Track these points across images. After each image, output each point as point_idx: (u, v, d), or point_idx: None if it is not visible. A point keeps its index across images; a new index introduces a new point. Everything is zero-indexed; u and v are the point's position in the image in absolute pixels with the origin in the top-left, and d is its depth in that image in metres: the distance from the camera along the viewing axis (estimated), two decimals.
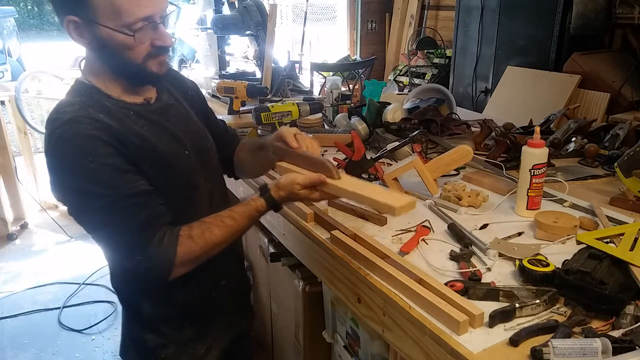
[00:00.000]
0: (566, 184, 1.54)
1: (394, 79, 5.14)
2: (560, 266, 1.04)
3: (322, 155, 1.14)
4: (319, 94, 3.17)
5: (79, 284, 3.16)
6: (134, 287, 1.16)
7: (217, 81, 2.63)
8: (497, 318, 0.93)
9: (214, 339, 1.24)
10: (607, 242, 1.14)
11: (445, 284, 1.02)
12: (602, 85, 3.01)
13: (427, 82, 4.62)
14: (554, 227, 1.23)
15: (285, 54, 3.48)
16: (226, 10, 3.40)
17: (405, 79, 5.03)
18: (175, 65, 6.49)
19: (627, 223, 1.29)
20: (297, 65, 3.23)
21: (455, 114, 2.16)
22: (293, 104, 1.94)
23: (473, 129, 2.03)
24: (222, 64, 3.17)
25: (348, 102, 2.47)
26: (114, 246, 1.02)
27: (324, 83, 3.30)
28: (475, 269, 1.10)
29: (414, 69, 4.94)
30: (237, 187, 1.89)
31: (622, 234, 1.17)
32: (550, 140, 1.84)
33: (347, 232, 1.24)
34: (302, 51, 5.02)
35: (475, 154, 1.65)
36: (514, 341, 0.87)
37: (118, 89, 1.06)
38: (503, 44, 3.68)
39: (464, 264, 1.12)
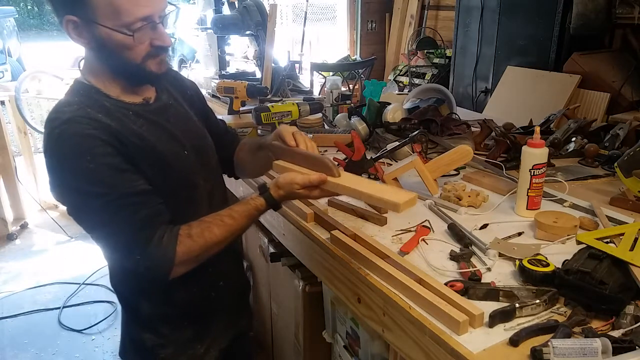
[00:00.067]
0: (566, 184, 1.54)
1: (394, 79, 5.14)
2: (560, 266, 1.04)
3: (322, 154, 1.14)
4: (319, 94, 3.17)
5: (79, 284, 3.16)
6: (133, 286, 1.16)
7: (217, 81, 2.63)
8: (497, 318, 0.93)
9: (213, 339, 1.24)
10: (607, 242, 1.14)
11: (445, 284, 1.02)
12: (602, 85, 3.01)
13: (427, 82, 4.62)
14: (554, 227, 1.23)
15: (285, 54, 3.47)
16: (226, 10, 3.41)
17: (405, 79, 5.03)
18: (175, 65, 6.49)
19: (627, 223, 1.29)
20: (297, 65, 3.23)
21: (455, 114, 2.16)
22: (293, 104, 1.94)
23: (473, 129, 2.03)
24: (222, 64, 3.17)
25: (348, 102, 2.47)
26: (114, 246, 1.02)
27: (324, 83, 3.30)
28: (475, 269, 1.10)
29: (414, 69, 4.94)
30: (237, 186, 1.89)
31: (622, 234, 1.17)
32: (550, 140, 1.84)
33: (347, 232, 1.24)
34: (302, 51, 5.02)
35: (475, 154, 1.65)
36: (514, 341, 0.87)
37: (117, 89, 1.06)
38: (503, 44, 3.68)
39: (464, 264, 1.12)
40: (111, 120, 1.00)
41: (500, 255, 1.15)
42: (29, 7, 17.41)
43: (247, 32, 2.95)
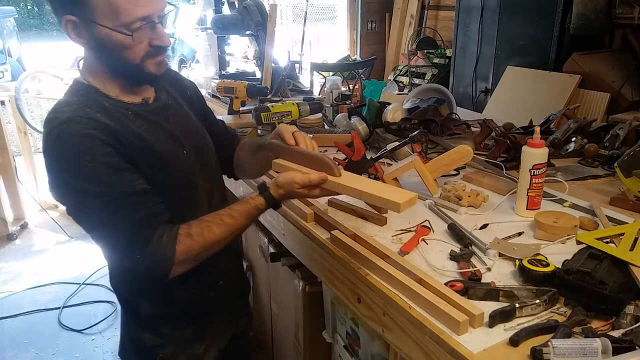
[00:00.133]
0: (566, 184, 1.54)
1: (394, 79, 5.15)
2: (560, 266, 1.04)
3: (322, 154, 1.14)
4: (319, 94, 3.17)
5: (79, 284, 3.16)
6: (132, 286, 1.16)
7: (217, 81, 2.63)
8: (497, 318, 0.92)
9: (212, 339, 1.24)
10: (607, 242, 1.14)
11: (445, 284, 1.02)
12: (602, 85, 3.01)
13: (427, 82, 4.62)
14: (554, 227, 1.23)
15: (285, 54, 3.48)
16: (226, 10, 3.41)
17: (405, 79, 5.03)
18: (175, 65, 6.50)
19: (627, 223, 1.29)
20: (297, 65, 3.23)
21: (455, 114, 2.15)
22: (293, 104, 1.93)
23: (473, 129, 2.03)
24: (222, 64, 3.17)
25: (348, 102, 2.47)
26: (113, 245, 1.02)
27: (324, 83, 3.30)
28: (475, 269, 1.10)
29: (414, 69, 4.94)
30: (237, 186, 1.89)
31: (622, 234, 1.17)
32: (550, 140, 1.84)
33: (347, 232, 1.24)
34: (302, 51, 5.02)
35: (475, 154, 1.65)
36: (514, 341, 0.87)
37: (116, 89, 1.06)
38: (503, 44, 3.68)
39: (464, 264, 1.12)
40: (110, 120, 1.00)
41: (500, 255, 1.15)
42: (29, 7, 17.41)
43: (247, 32, 2.95)
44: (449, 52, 4.66)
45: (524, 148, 1.34)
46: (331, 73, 3.76)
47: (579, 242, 1.18)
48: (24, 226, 3.90)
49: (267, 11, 2.83)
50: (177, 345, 1.19)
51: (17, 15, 8.67)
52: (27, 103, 3.86)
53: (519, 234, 1.27)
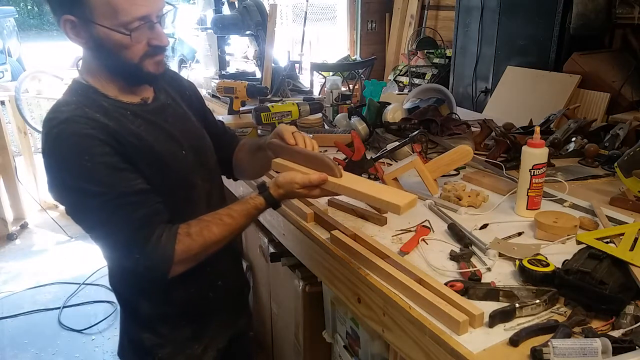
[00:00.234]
0: (566, 184, 1.54)
1: (394, 79, 5.14)
2: (560, 266, 1.04)
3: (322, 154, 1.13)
4: (319, 94, 3.17)
5: (79, 284, 3.16)
6: (132, 286, 1.16)
7: (217, 81, 2.63)
8: (497, 318, 0.92)
9: (211, 339, 1.24)
10: (607, 242, 1.14)
11: (445, 284, 1.02)
12: (602, 85, 3.01)
13: (427, 82, 4.62)
14: (554, 227, 1.23)
15: (285, 54, 3.48)
16: (226, 10, 3.41)
17: (405, 79, 5.03)
18: (175, 65, 6.49)
19: (627, 223, 1.29)
20: (297, 65, 3.23)
21: (455, 114, 2.15)
22: (293, 104, 1.93)
23: (473, 129, 2.03)
24: (222, 64, 3.17)
25: (348, 102, 2.47)
26: (112, 245, 1.02)
27: (324, 83, 3.30)
28: (475, 269, 1.10)
29: (414, 69, 4.94)
30: (236, 186, 1.89)
31: (622, 234, 1.17)
32: (550, 140, 1.84)
33: (347, 232, 1.24)
34: (302, 51, 5.02)
35: (475, 154, 1.65)
36: (514, 341, 0.87)
37: (115, 89, 1.06)
38: (503, 44, 3.68)
39: (464, 264, 1.12)
40: (109, 120, 1.00)
41: (500, 255, 1.15)
42: (29, 7, 17.42)
43: (247, 32, 2.95)
44: (449, 52, 4.66)
45: (524, 148, 1.34)
46: (331, 73, 3.76)
47: (579, 242, 1.18)
48: (24, 226, 3.90)
49: (267, 11, 2.83)
50: (176, 345, 1.19)
51: (17, 15, 8.67)
52: (27, 103, 3.86)
53: (519, 234, 1.27)
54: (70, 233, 3.71)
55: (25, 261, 3.47)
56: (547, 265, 1.04)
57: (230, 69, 3.29)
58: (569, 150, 1.86)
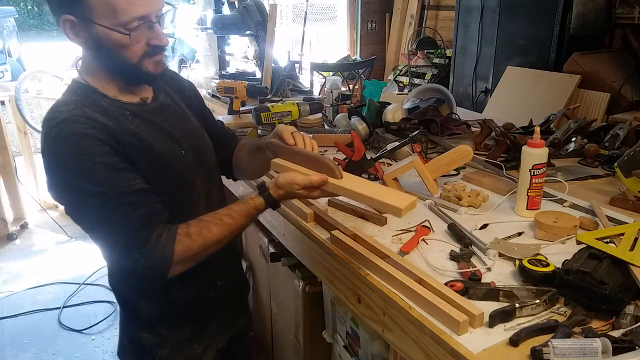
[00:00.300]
0: (566, 184, 1.54)
1: (394, 79, 5.14)
2: (560, 266, 1.04)
3: (322, 154, 1.13)
4: (319, 94, 3.17)
5: (79, 284, 3.16)
6: (131, 286, 1.16)
7: (217, 81, 2.63)
8: (497, 318, 0.92)
9: (211, 339, 1.24)
10: (607, 242, 1.14)
11: (445, 284, 1.02)
12: (602, 85, 3.01)
13: (427, 82, 4.61)
14: (554, 227, 1.23)
15: (285, 54, 3.48)
16: (226, 10, 3.41)
17: (405, 79, 5.03)
18: (175, 65, 6.49)
19: (627, 223, 1.29)
20: (297, 65, 3.23)
21: (455, 114, 2.15)
22: (293, 104, 1.93)
23: (473, 129, 2.03)
24: (222, 64, 3.17)
25: (348, 102, 2.47)
26: (112, 245, 1.02)
27: (324, 83, 3.30)
28: (475, 269, 1.10)
29: (414, 69, 4.94)
30: (236, 186, 1.89)
31: (622, 234, 1.16)
32: (550, 140, 1.84)
33: (347, 232, 1.24)
34: (302, 51, 5.02)
35: (475, 154, 1.65)
36: (514, 341, 0.87)
37: (114, 89, 1.06)
38: (503, 44, 3.68)
39: (464, 264, 1.12)
40: (108, 119, 1.00)
41: (500, 255, 1.15)
42: (29, 7, 17.42)
43: (247, 32, 2.95)
44: (449, 52, 4.66)
45: (524, 148, 1.34)
46: (331, 73, 3.76)
47: (579, 242, 1.18)
48: (24, 226, 3.90)
49: (267, 11, 2.83)
50: (175, 345, 1.19)
51: (17, 15, 8.67)
52: (27, 103, 3.86)
53: (519, 234, 1.27)
54: (70, 233, 3.71)
55: (25, 261, 3.47)
56: (547, 265, 1.04)
57: (230, 69, 3.29)
58: (569, 150, 1.86)
